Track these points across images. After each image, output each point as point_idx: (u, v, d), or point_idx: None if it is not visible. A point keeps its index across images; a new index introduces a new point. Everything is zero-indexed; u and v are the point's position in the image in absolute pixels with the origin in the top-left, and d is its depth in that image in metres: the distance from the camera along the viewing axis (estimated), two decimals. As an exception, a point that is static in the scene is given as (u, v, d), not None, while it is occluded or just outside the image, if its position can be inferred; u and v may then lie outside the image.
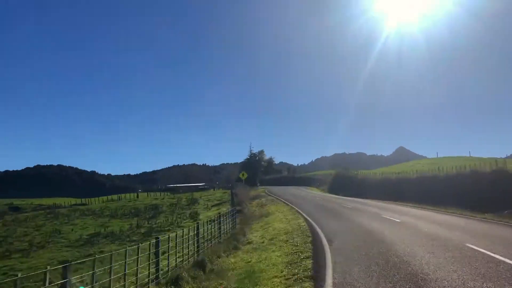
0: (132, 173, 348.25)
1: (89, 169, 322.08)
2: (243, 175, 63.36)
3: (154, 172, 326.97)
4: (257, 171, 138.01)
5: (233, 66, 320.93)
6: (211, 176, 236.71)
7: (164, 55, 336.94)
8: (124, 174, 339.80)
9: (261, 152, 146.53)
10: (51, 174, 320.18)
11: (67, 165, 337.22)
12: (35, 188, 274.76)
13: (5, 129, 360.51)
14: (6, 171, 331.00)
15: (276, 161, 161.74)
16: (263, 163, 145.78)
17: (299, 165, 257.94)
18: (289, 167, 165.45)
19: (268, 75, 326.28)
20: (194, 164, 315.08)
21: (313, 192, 74.41)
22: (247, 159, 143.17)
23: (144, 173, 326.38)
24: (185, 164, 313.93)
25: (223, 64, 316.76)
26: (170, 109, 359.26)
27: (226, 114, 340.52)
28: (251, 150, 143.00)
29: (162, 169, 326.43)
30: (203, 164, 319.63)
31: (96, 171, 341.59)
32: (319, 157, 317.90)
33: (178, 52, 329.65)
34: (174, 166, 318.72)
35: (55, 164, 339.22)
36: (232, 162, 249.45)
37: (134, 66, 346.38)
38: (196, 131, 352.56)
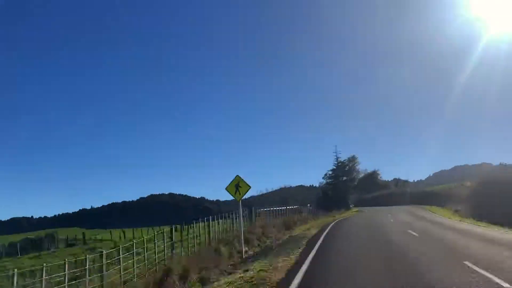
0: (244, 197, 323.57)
1: (198, 196, 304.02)
2: (235, 188, 20.43)
3: (262, 195, 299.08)
4: (348, 186, 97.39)
5: (326, 70, 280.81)
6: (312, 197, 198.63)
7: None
8: (232, 199, 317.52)
9: (352, 159, 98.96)
10: (162, 202, 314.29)
11: (177, 193, 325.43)
12: (146, 217, 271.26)
13: (121, 164, 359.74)
14: (124, 202, 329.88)
15: (389, 177, 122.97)
16: (355, 174, 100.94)
17: (415, 181, 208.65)
18: (398, 182, 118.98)
19: (368, 79, 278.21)
20: (300, 186, 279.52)
21: (444, 223, 34.43)
22: (333, 170, 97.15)
23: (252, 197, 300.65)
24: (292, 186, 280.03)
25: (315, 71, 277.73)
26: (273, 125, 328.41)
27: (328, 128, 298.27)
28: (337, 158, 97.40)
29: (268, 193, 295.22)
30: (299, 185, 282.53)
31: (205, 197, 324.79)
32: (438, 170, 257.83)
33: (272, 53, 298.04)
34: (282, 188, 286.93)
35: (166, 192, 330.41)
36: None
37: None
38: (296, 148, 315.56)
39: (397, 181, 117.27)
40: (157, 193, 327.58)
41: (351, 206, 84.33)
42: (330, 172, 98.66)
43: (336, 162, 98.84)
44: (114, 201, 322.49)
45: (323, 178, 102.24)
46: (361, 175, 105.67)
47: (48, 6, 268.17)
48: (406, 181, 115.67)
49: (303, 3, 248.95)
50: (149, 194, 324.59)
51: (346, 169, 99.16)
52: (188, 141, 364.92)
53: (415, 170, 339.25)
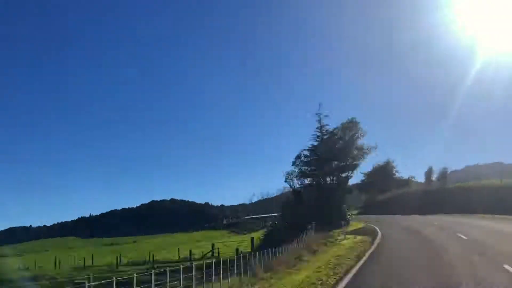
0: (247, 202, 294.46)
1: (202, 201, 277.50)
2: None
3: (271, 199, 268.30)
4: (343, 178, 53.57)
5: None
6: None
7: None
8: (238, 204, 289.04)
9: (351, 124, 54.38)
10: (164, 209, 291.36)
11: (179, 199, 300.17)
12: (147, 224, 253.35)
13: (120, 171, 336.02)
14: (123, 209, 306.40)
15: (403, 175, 79.34)
16: (356, 153, 53.60)
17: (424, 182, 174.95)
18: (430, 175, 77.85)
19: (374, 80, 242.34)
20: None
21: None
22: (311, 149, 54.06)
23: (260, 201, 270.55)
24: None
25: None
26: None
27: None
28: (322, 125, 54.75)
29: (266, 199, 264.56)
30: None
31: (210, 203, 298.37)
32: (448, 171, 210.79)
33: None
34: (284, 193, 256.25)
35: (168, 198, 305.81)
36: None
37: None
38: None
39: (429, 174, 66.72)
40: (159, 199, 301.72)
41: (348, 218, 47.97)
42: (307, 153, 53.42)
43: (319, 132, 53.29)
44: (114, 208, 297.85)
45: (293, 164, 54.75)
46: (367, 158, 56.77)
47: (47, 5, 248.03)
48: (444, 174, 63.64)
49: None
50: (150, 200, 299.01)
51: (339, 144, 53.52)
52: (186, 144, 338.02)
53: (422, 171, 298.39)
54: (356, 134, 54.29)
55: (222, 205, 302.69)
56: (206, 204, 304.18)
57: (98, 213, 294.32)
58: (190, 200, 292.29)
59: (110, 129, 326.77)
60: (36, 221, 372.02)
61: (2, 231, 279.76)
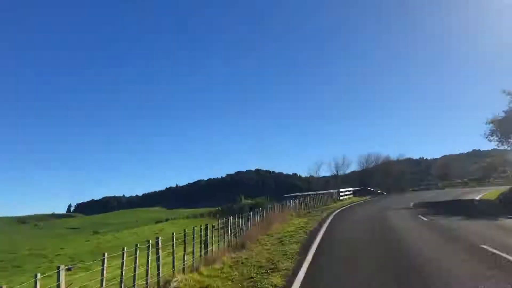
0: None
1: (290, 172, 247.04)
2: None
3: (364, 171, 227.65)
4: None
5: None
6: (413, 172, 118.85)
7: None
8: (331, 175, 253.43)
9: None
10: (247, 179, 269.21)
11: (264, 169, 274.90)
12: (229, 195, 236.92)
13: (207, 144, 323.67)
14: (209, 179, 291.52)
15: None
16: None
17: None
18: None
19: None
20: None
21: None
22: None
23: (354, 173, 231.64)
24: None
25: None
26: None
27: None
28: None
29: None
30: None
31: (298, 174, 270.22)
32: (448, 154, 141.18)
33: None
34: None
35: (253, 169, 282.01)
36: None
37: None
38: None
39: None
40: (244, 169, 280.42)
41: None
42: None
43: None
44: (200, 179, 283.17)
45: None
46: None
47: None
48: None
49: None
50: (236, 170, 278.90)
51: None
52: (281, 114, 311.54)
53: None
54: None
55: (311, 176, 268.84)
56: (294, 175, 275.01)
57: (185, 183, 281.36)
58: (277, 171, 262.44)
59: (198, 102, 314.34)
60: (129, 192, 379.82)
61: (97, 200, 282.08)
